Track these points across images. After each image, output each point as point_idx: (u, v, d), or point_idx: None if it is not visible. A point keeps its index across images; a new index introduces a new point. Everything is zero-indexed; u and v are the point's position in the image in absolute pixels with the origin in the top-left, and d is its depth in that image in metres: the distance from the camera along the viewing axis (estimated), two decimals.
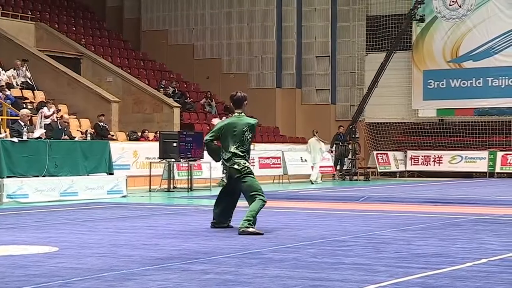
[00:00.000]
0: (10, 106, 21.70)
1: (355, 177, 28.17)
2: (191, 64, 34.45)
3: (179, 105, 28.24)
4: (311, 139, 26.42)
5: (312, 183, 25.12)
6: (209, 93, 32.03)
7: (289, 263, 7.38)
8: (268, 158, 25.99)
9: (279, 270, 6.95)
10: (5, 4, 29.61)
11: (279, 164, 26.17)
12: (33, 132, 17.68)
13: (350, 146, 28.59)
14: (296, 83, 33.78)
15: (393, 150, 31.28)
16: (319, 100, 33.70)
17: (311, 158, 26.14)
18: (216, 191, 20.11)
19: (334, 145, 28.49)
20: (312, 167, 26.06)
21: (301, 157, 27.22)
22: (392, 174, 30.58)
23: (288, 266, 7.22)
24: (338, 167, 28.42)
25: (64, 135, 19.28)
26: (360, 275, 6.69)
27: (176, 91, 30.43)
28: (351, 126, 28.94)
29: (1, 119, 20.78)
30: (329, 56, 33.48)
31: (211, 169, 21.73)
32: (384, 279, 6.51)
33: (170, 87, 30.25)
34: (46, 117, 21.09)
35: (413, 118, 31.97)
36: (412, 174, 30.87)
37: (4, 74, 24.16)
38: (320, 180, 26.08)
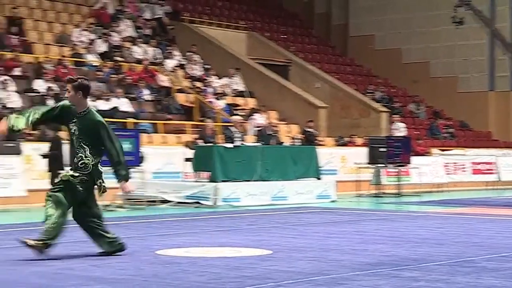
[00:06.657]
0: (224, 112, 22.62)
1: None
2: (399, 68, 34.05)
3: (386, 110, 28.02)
4: None
5: None
6: (417, 97, 31.49)
7: (504, 273, 7.08)
8: (480, 163, 25.18)
9: (494, 280, 6.69)
10: (220, 15, 30.95)
11: (492, 169, 25.27)
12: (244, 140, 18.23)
13: None
14: (510, 85, 32.36)
15: None
16: None
17: None
18: (426, 197, 19.81)
19: None
20: None
21: None
22: None
23: (503, 276, 6.93)
24: None
25: (273, 141, 19.78)
26: None
27: (384, 96, 30.23)
28: None
29: (215, 125, 21.70)
30: None
31: (420, 175, 21.35)
32: None
33: (377, 92, 30.11)
34: (257, 126, 21.84)
35: None
36: None
37: (218, 82, 25.24)
38: None
